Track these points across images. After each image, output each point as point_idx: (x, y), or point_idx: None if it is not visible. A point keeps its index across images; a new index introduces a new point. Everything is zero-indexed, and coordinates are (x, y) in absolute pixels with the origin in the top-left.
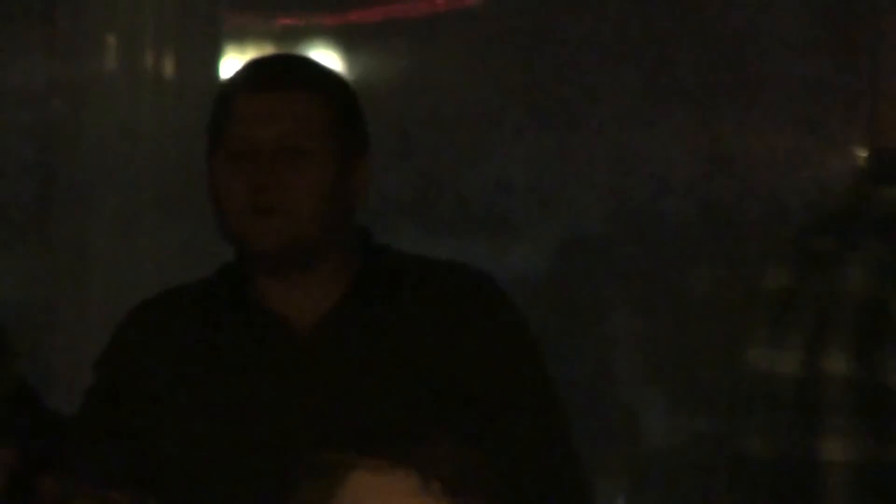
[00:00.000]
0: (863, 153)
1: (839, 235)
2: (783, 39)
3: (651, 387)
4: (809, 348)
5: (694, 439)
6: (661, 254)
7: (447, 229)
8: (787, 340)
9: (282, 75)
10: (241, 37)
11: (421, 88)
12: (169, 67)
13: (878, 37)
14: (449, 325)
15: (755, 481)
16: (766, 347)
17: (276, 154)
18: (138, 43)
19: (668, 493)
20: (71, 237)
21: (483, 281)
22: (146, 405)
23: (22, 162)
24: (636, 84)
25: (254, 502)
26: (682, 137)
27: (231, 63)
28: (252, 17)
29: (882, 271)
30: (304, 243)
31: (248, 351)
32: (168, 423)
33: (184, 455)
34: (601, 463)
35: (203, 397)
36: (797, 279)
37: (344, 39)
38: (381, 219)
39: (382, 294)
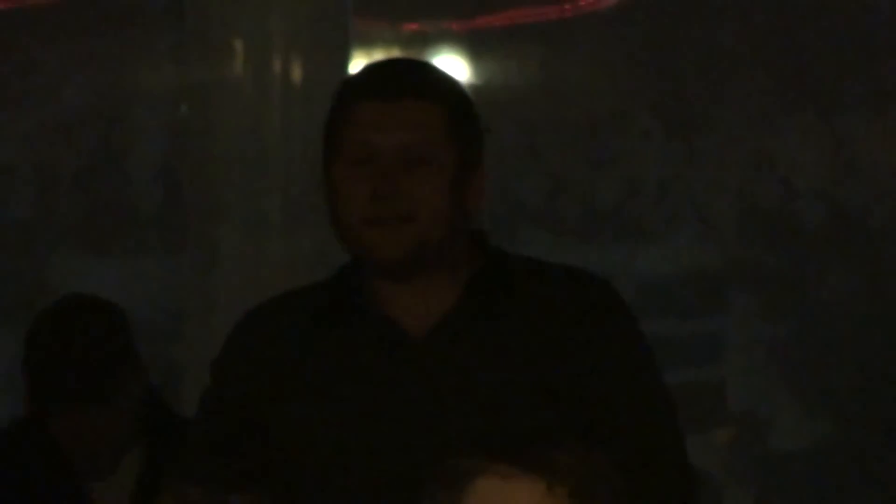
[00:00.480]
0: None
1: None
2: None
3: (781, 391)
4: None
5: (824, 444)
6: (790, 257)
7: (576, 233)
8: None
9: (404, 82)
10: (368, 42)
11: (549, 93)
12: (297, 72)
13: None
14: (567, 330)
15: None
16: None
17: (398, 162)
18: (266, 48)
19: (799, 498)
20: (200, 242)
21: (601, 286)
22: (262, 408)
23: (151, 166)
24: (766, 88)
25: None
26: (811, 141)
27: (359, 68)
28: (379, 23)
29: None
30: (425, 251)
31: (365, 356)
32: (284, 426)
33: (300, 459)
34: (732, 468)
35: (319, 402)
36: None
37: (471, 45)
38: (509, 223)
39: (498, 298)
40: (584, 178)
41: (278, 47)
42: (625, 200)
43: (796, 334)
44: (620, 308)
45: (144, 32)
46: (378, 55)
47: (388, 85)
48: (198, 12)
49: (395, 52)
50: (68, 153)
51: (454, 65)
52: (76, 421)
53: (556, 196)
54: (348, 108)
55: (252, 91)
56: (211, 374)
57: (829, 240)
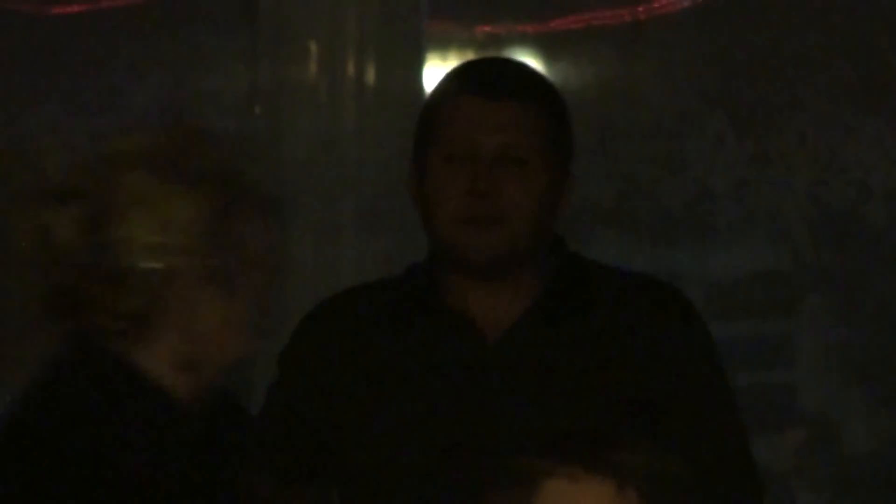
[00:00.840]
0: None
1: None
2: None
3: (853, 393)
4: None
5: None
6: (862, 260)
7: (648, 236)
8: None
9: (509, 83)
10: (442, 45)
11: (622, 95)
12: (370, 75)
13: None
14: (641, 336)
15: None
16: None
17: (498, 162)
18: (340, 50)
19: (871, 500)
20: None
21: (674, 293)
22: (330, 401)
23: None
24: (837, 90)
25: None
26: (883, 143)
27: (433, 71)
28: (454, 25)
29: None
30: (514, 253)
31: (438, 354)
32: (353, 421)
33: (369, 454)
34: (803, 470)
35: (390, 397)
36: None
37: (544, 47)
38: (581, 225)
39: (573, 302)
40: (655, 179)
41: (352, 50)
42: (696, 202)
43: (868, 336)
44: (693, 315)
45: (217, 34)
46: (452, 58)
47: (494, 84)
48: (271, 14)
49: (468, 55)
50: None
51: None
52: None
53: (628, 197)
54: (451, 102)
55: (325, 94)
56: (279, 365)
57: None
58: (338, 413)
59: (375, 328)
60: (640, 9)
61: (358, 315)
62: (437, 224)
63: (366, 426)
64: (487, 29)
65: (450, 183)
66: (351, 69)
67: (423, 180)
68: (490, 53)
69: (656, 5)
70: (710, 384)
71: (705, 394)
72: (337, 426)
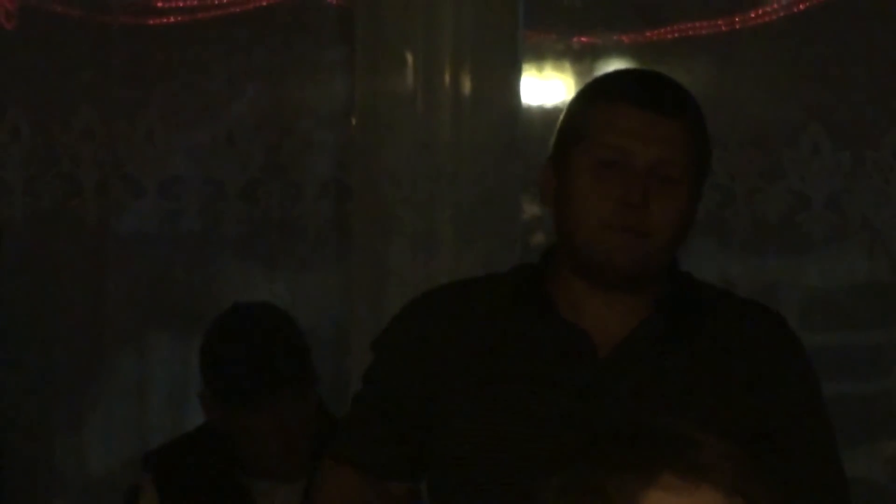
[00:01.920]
0: None
1: None
2: None
3: None
4: None
5: None
6: None
7: (744, 246)
8: None
9: (669, 98)
10: (539, 55)
11: (718, 106)
12: (467, 86)
13: None
14: (746, 361)
15: None
16: None
17: (650, 175)
18: (436, 61)
19: None
20: (369, 257)
21: (780, 321)
22: (426, 394)
23: (322, 180)
24: None
25: None
26: None
27: (529, 81)
28: (550, 36)
29: None
30: (652, 268)
31: (547, 361)
32: (450, 418)
33: (463, 454)
34: None
35: (493, 399)
36: None
37: (641, 57)
38: None
39: (685, 323)
40: (752, 190)
41: (449, 60)
42: (793, 212)
43: None
44: (796, 345)
45: (314, 45)
46: (548, 68)
47: (656, 97)
48: (368, 24)
49: (565, 66)
50: (237, 166)
51: None
52: (268, 420)
53: (726, 207)
54: (611, 108)
55: (422, 104)
56: (374, 350)
57: None
58: (432, 404)
59: (481, 323)
60: (737, 18)
61: (463, 308)
62: (580, 226)
63: (458, 424)
64: (584, 40)
65: (600, 188)
66: (447, 80)
67: (566, 181)
68: (586, 64)
69: (752, 15)
70: (810, 413)
71: (806, 427)
72: (431, 420)
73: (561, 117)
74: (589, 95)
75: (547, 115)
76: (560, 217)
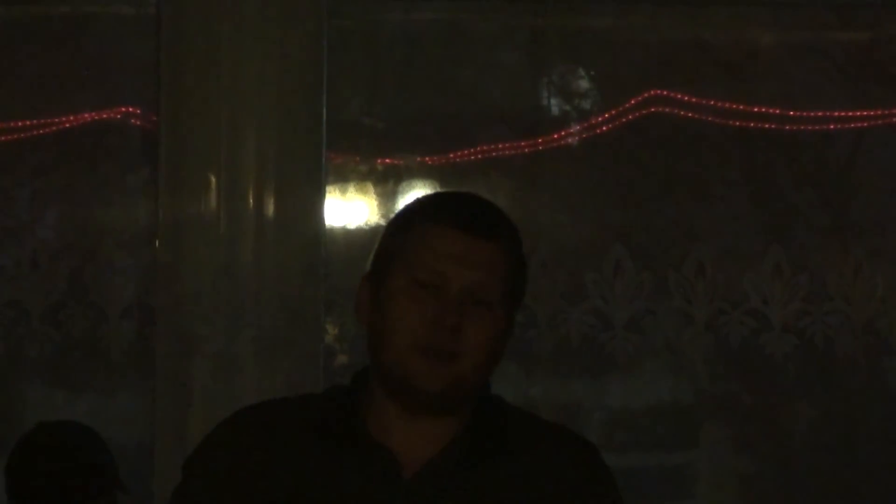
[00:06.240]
0: None
1: None
2: None
3: None
4: None
5: None
6: (760, 389)
7: (546, 367)
8: None
9: (487, 222)
10: (342, 176)
11: (521, 226)
12: (270, 208)
13: None
14: (553, 486)
15: None
16: None
17: (464, 299)
18: (240, 183)
19: None
20: (172, 378)
21: (589, 448)
22: None
23: (124, 303)
24: (735, 221)
25: None
26: (782, 274)
27: (333, 203)
28: (353, 158)
29: None
30: (462, 392)
31: (353, 481)
32: None
33: None
34: None
35: None
36: None
37: (445, 178)
38: None
39: (491, 445)
40: (555, 310)
41: (252, 182)
42: (596, 333)
43: (767, 466)
44: (605, 472)
45: (118, 167)
46: (352, 190)
47: (474, 221)
48: (172, 146)
49: (369, 187)
50: (41, 289)
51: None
52: None
53: (528, 328)
54: (429, 230)
55: (225, 226)
56: (183, 470)
57: (799, 372)
58: None
59: (290, 447)
60: (539, 140)
61: (274, 429)
62: (391, 347)
63: None
64: (387, 161)
65: (416, 308)
66: (251, 202)
67: (381, 300)
68: (390, 184)
69: (555, 136)
70: None
71: None
72: None
73: (380, 236)
74: (408, 216)
75: (351, 236)
76: (373, 336)
